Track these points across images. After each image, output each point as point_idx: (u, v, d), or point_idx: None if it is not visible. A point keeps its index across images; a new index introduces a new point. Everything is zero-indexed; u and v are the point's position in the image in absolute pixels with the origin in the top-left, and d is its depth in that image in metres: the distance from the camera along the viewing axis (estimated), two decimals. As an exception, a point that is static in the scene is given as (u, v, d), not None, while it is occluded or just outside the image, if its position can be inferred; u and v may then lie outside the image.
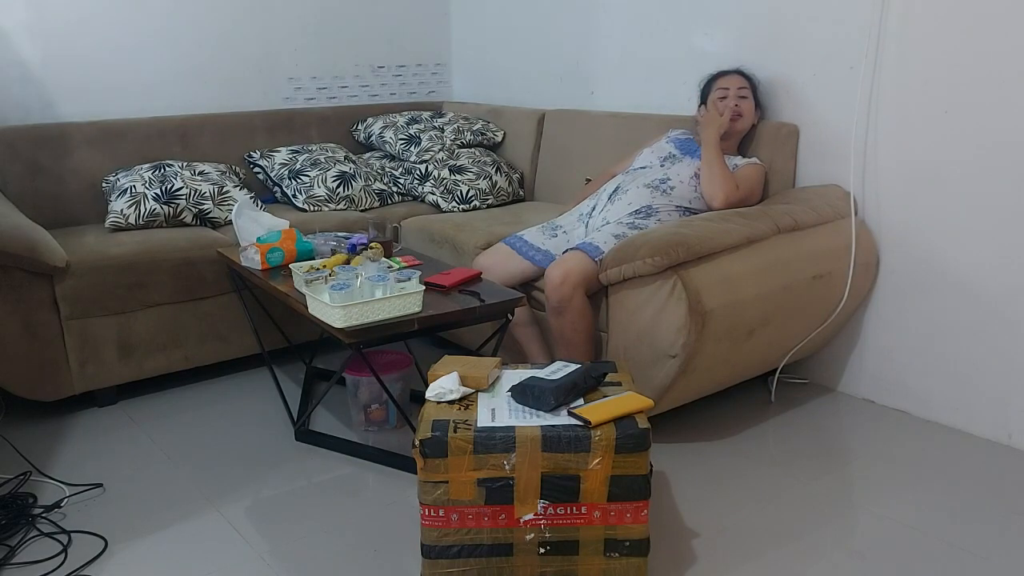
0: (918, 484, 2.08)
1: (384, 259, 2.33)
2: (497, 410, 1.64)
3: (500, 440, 1.54)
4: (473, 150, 3.46)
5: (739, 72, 2.62)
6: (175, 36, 3.27)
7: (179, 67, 3.30)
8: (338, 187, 3.18)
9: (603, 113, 3.20)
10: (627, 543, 1.60)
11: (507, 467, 1.55)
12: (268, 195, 3.31)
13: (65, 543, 1.84)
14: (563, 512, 1.58)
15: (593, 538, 1.60)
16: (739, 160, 2.54)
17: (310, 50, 3.64)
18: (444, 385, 1.69)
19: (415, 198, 3.39)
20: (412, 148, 3.41)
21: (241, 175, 3.19)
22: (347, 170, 3.26)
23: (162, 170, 2.91)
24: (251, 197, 2.97)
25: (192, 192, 2.88)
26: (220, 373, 2.83)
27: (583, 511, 1.58)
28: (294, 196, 3.16)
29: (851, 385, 2.64)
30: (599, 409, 1.60)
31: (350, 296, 1.90)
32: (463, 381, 1.71)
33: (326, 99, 3.73)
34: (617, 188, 2.52)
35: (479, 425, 1.57)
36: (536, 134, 3.46)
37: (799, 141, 2.62)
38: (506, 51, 3.78)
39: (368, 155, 3.59)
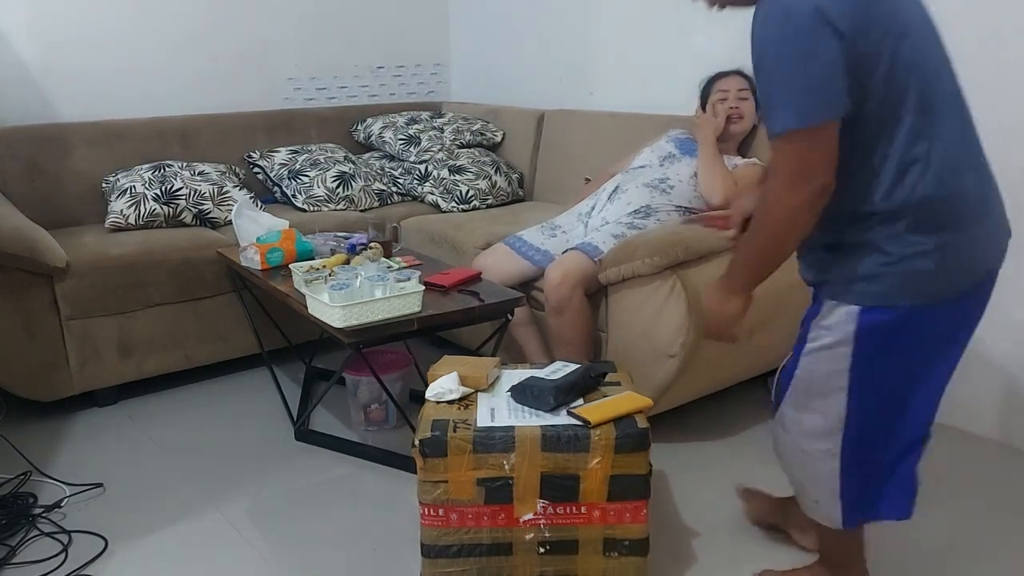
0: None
1: (384, 259, 2.34)
2: (497, 410, 1.64)
3: (500, 440, 1.54)
4: (472, 150, 3.46)
5: (739, 73, 2.61)
6: (175, 37, 3.26)
7: (179, 67, 3.30)
8: (338, 187, 3.18)
9: (602, 113, 3.20)
10: (626, 543, 1.60)
11: (506, 467, 1.55)
12: (268, 195, 3.30)
13: (65, 543, 1.84)
14: (563, 512, 1.58)
15: (592, 538, 1.60)
16: (739, 160, 2.53)
17: (309, 51, 3.64)
18: (444, 385, 1.69)
19: (415, 198, 3.39)
20: (411, 148, 3.41)
21: (241, 175, 3.19)
22: (347, 170, 3.26)
23: (162, 170, 2.91)
24: (251, 197, 2.97)
25: (192, 192, 2.88)
26: (220, 373, 2.83)
27: (583, 511, 1.58)
28: (294, 196, 3.16)
29: (850, 385, 2.63)
30: (599, 409, 1.60)
31: (350, 296, 1.90)
32: (463, 381, 1.71)
33: (325, 99, 3.73)
34: (616, 188, 2.51)
35: (479, 425, 1.57)
36: (535, 134, 3.46)
37: (798, 141, 2.61)
38: (505, 51, 3.78)
39: (368, 155, 3.59)
